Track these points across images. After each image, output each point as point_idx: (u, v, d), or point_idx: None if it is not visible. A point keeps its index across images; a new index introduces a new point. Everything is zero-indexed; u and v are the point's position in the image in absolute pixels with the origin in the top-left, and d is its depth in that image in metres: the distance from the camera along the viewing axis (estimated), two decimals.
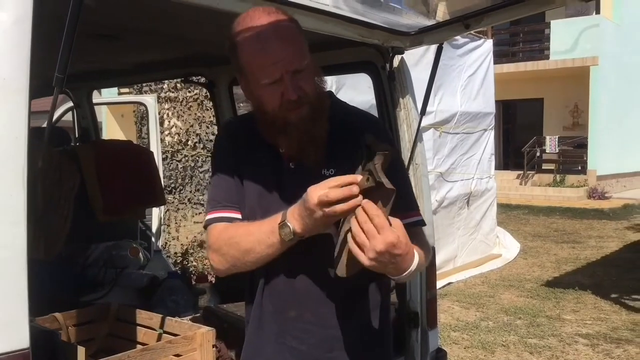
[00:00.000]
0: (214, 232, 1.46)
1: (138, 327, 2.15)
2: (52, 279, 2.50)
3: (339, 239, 1.29)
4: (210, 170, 6.89)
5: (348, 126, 1.49)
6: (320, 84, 1.46)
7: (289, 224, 1.31)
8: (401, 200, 1.34)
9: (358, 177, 1.22)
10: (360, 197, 1.22)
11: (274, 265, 1.43)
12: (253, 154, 1.50)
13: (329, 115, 1.46)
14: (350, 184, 1.22)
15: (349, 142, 1.41)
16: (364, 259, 1.22)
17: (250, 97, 1.46)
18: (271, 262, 1.41)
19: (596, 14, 17.00)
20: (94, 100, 4.11)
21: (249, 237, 1.39)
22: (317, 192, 1.23)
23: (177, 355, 1.87)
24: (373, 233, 1.20)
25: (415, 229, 1.47)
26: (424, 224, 1.56)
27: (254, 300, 1.52)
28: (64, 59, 1.23)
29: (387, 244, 1.20)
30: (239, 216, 1.48)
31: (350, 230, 1.23)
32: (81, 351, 1.71)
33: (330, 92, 1.56)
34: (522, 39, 19.20)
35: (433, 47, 2.47)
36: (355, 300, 1.51)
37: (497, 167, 11.57)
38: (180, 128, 7.39)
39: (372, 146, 1.25)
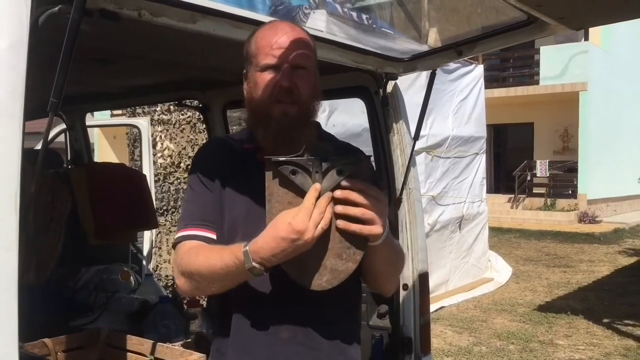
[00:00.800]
0: (180, 253, 1.42)
1: (129, 353, 2.12)
2: (42, 303, 2.46)
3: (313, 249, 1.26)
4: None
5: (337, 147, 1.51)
6: (315, 95, 1.47)
7: (256, 266, 1.26)
8: None
9: (317, 186, 1.24)
10: (328, 198, 1.23)
11: (258, 285, 1.39)
12: (241, 168, 1.49)
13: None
14: (315, 197, 1.23)
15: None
16: (378, 229, 1.26)
17: (247, 90, 1.48)
18: (255, 283, 1.37)
19: (585, 40, 17.25)
20: (89, 123, 4.10)
21: (209, 266, 1.34)
22: (295, 222, 1.21)
23: None
24: (373, 218, 1.25)
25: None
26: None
27: (232, 324, 1.46)
28: (59, 83, 1.23)
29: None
30: (213, 236, 1.43)
31: (335, 221, 1.25)
32: None
33: (318, 124, 1.56)
34: (512, 64, 19.42)
35: (425, 72, 2.49)
36: (339, 320, 1.50)
37: (489, 191, 11.61)
38: (173, 150, 7.37)
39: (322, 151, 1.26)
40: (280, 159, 1.24)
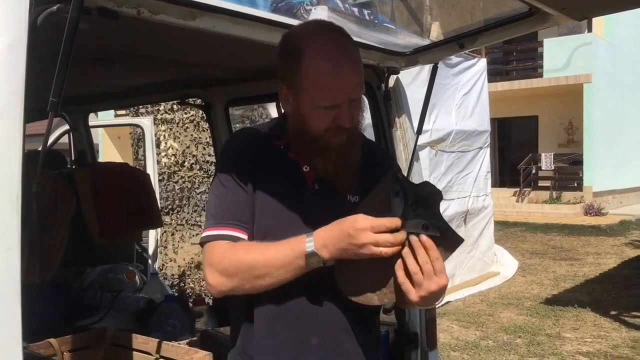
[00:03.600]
0: (218, 251, 1.36)
1: (134, 352, 2.12)
2: (47, 303, 2.47)
3: (375, 269, 1.28)
4: (209, 187, 6.88)
5: (370, 156, 1.50)
6: (362, 114, 1.44)
7: (317, 252, 1.26)
8: None
9: (401, 219, 1.23)
10: (404, 235, 1.23)
11: (290, 288, 1.35)
12: (272, 168, 1.43)
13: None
14: (396, 228, 1.23)
15: (373, 172, 1.44)
16: (414, 296, 1.25)
17: (293, 112, 1.41)
18: (286, 284, 1.34)
19: (588, 32, 17.17)
20: (92, 123, 4.10)
21: (265, 260, 1.31)
22: (367, 232, 1.22)
23: None
24: (430, 274, 1.23)
25: None
26: None
27: (257, 327, 1.42)
28: (58, 83, 1.22)
29: (441, 287, 1.25)
30: (245, 237, 1.38)
31: (399, 265, 1.25)
32: None
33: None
34: (515, 57, 19.36)
35: (428, 66, 2.48)
36: (366, 327, 1.49)
37: (494, 185, 11.59)
38: (177, 149, 7.38)
39: (405, 184, 1.28)
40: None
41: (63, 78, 1.24)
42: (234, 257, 1.34)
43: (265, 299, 1.39)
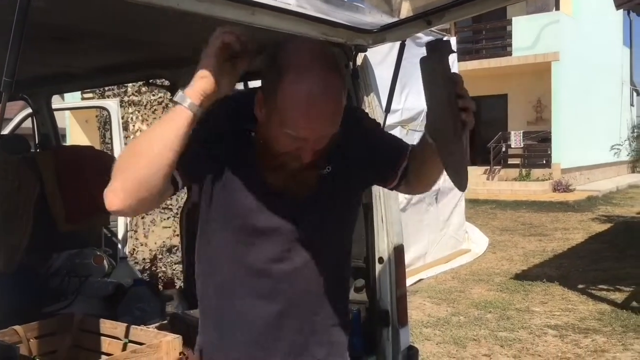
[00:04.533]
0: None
1: (103, 337, 2.09)
2: (12, 290, 2.42)
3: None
4: None
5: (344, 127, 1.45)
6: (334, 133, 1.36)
7: (182, 92, 1.23)
8: (396, 147, 1.57)
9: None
10: None
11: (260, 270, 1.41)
12: (241, 151, 1.41)
13: None
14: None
15: (351, 137, 1.44)
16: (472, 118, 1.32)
17: (262, 121, 1.36)
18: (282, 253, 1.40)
19: (556, 10, 17.34)
20: (56, 106, 4.00)
21: (145, 135, 1.31)
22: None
23: None
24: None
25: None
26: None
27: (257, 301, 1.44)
28: (11, 62, 1.18)
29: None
30: (180, 181, 1.31)
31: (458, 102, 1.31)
32: None
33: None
34: (484, 36, 19.46)
35: (397, 45, 2.47)
36: (335, 307, 1.53)
37: None
38: None
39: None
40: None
41: (16, 57, 1.19)
42: (122, 155, 1.32)
43: (235, 277, 1.43)
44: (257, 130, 1.39)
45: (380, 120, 2.44)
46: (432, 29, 2.61)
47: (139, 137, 1.35)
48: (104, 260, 3.07)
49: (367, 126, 1.61)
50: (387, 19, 2.38)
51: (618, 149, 19.58)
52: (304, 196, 1.44)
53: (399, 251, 2.44)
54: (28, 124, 4.67)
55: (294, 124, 1.28)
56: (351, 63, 2.41)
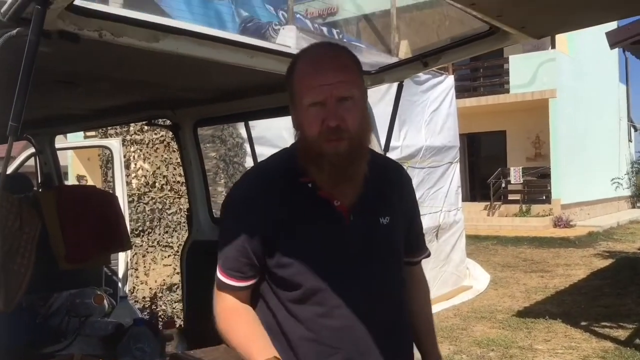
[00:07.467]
0: (222, 307, 1.50)
1: None
2: (12, 330, 2.41)
3: None
4: (179, 212, 6.75)
5: (381, 169, 1.53)
6: (365, 122, 1.43)
7: None
8: (419, 239, 1.68)
9: None
10: None
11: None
12: (303, 208, 1.43)
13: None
14: None
15: (386, 186, 1.52)
16: None
17: (295, 123, 1.44)
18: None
19: (552, 48, 17.59)
20: (59, 145, 4.05)
21: (236, 345, 1.45)
22: None
23: None
24: None
25: (421, 264, 1.73)
26: (429, 255, 1.75)
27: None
28: (18, 107, 1.21)
29: None
30: (251, 282, 1.48)
31: None
32: None
33: (369, 149, 1.54)
34: (482, 74, 19.69)
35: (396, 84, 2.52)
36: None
37: (464, 199, 11.71)
38: (147, 170, 7.32)
39: None
40: None
41: (22, 102, 1.23)
42: (227, 327, 1.48)
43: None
44: (298, 149, 1.45)
45: None
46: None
47: (234, 339, 1.48)
48: (105, 300, 3.06)
49: (413, 194, 1.69)
50: (386, 59, 2.44)
51: (619, 182, 19.62)
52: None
53: None
54: (31, 162, 4.71)
55: (308, 90, 1.36)
56: None
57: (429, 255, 1.73)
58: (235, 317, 1.48)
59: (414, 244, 1.66)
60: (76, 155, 17.93)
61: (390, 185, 1.56)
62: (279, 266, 1.44)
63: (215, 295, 1.52)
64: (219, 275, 1.49)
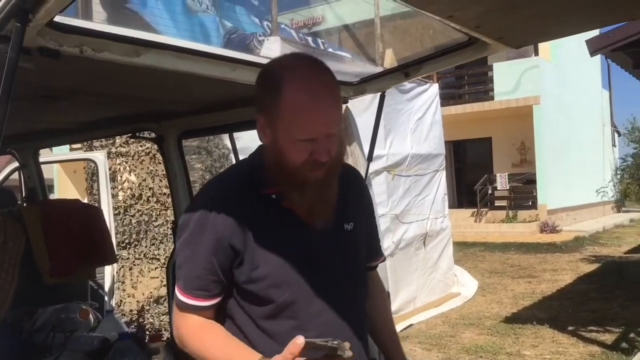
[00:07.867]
0: (188, 326, 1.44)
1: None
2: None
3: None
4: (166, 224, 6.72)
5: (341, 176, 1.50)
6: (342, 145, 1.45)
7: None
8: (376, 243, 1.69)
9: (300, 339, 1.23)
10: None
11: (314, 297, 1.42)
12: (266, 218, 1.42)
13: None
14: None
15: (346, 191, 1.51)
16: None
17: (270, 144, 1.40)
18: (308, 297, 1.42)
19: (535, 55, 17.79)
20: (44, 159, 4.02)
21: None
22: None
23: None
24: None
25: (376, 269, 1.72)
26: (385, 259, 1.76)
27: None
28: None
29: None
30: (214, 301, 1.43)
31: None
32: None
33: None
34: (467, 81, 19.86)
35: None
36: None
37: (451, 206, 11.78)
38: (133, 182, 7.29)
39: None
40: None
41: (3, 117, 1.22)
42: (196, 341, 1.42)
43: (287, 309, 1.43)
44: (265, 163, 1.44)
45: (363, 169, 2.50)
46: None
47: (210, 354, 1.41)
48: (90, 314, 3.03)
49: (369, 197, 1.72)
50: (371, 68, 2.46)
51: (604, 191, 19.81)
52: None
53: None
54: (15, 176, 4.68)
55: (301, 126, 1.32)
56: None
57: (384, 260, 1.74)
58: (207, 333, 1.42)
59: (372, 248, 1.67)
60: (62, 168, 17.81)
61: (351, 190, 1.56)
62: (249, 281, 1.40)
63: (176, 317, 1.47)
64: (181, 297, 1.44)
